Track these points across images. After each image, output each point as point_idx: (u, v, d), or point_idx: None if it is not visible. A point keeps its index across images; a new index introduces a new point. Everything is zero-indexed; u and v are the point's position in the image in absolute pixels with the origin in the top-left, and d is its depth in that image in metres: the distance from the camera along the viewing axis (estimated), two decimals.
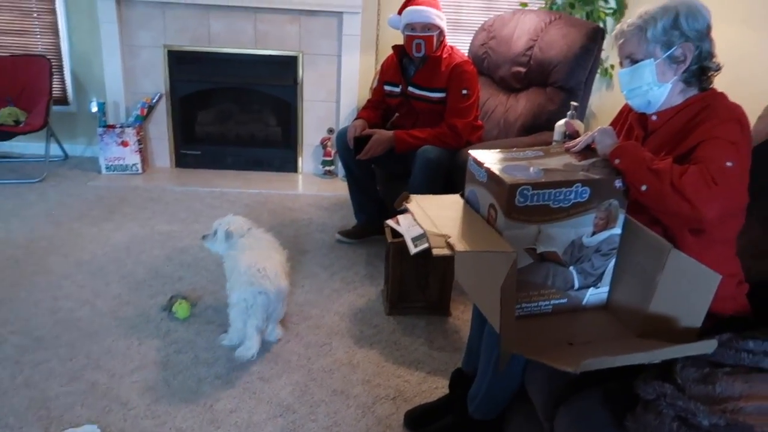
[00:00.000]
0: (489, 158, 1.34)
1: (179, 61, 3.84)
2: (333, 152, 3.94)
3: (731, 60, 2.40)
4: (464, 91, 2.63)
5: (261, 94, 4.00)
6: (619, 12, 3.44)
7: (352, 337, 2.17)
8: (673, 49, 1.33)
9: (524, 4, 3.62)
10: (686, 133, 1.31)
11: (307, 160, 4.09)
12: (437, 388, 1.92)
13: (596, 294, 1.32)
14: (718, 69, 1.38)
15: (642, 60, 1.36)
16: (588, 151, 1.41)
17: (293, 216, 3.30)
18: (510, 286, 1.17)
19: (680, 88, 1.38)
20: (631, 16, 1.41)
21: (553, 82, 2.75)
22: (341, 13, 3.72)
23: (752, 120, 1.80)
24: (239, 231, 2.14)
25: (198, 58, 3.83)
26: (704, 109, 1.33)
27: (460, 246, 1.20)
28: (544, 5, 3.56)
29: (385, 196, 3.01)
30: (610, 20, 3.51)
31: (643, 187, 1.22)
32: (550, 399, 1.28)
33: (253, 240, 2.14)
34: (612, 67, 3.56)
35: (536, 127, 2.76)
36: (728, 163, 1.21)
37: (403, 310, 2.34)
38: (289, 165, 4.09)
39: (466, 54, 3.30)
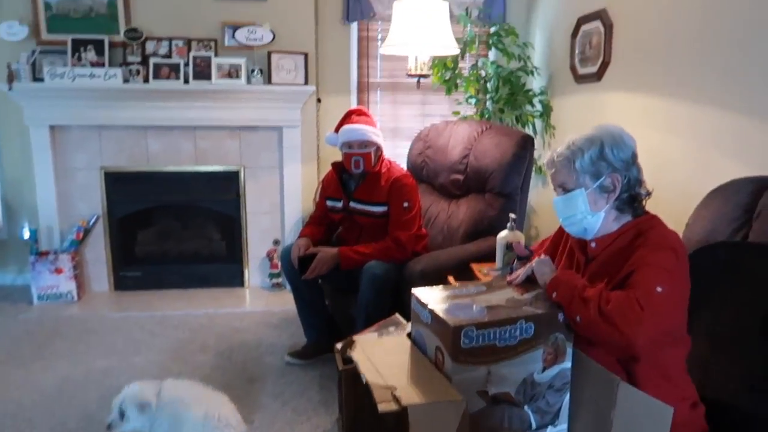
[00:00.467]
0: (432, 297, 1.32)
1: (117, 182, 3.77)
2: (280, 264, 3.87)
3: (658, 163, 2.54)
4: (405, 204, 2.65)
5: (203, 210, 3.96)
6: (545, 114, 3.62)
7: None
8: (602, 179, 1.37)
9: (457, 113, 3.78)
10: (623, 261, 1.33)
11: (254, 273, 3.99)
12: None
13: None
14: (648, 194, 1.43)
15: (573, 189, 1.39)
16: (529, 282, 1.41)
17: (241, 338, 3.16)
18: None
19: (614, 215, 1.41)
20: (561, 144, 1.45)
21: (491, 188, 2.82)
22: (281, 127, 3.78)
23: (681, 227, 1.87)
24: (151, 395, 1.90)
25: (136, 177, 3.77)
26: (639, 236, 1.36)
27: (406, 398, 1.14)
28: (475, 112, 3.72)
29: (334, 310, 2.93)
30: (538, 122, 3.69)
31: (578, 318, 1.21)
32: None
33: (180, 391, 1.94)
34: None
35: (479, 233, 2.80)
36: (658, 288, 1.21)
37: None
38: (236, 279, 3.98)
39: (405, 162, 3.39)
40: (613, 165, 1.37)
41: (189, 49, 3.64)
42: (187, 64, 3.60)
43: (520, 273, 1.42)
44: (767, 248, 1.50)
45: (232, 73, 3.62)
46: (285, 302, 3.59)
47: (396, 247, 2.60)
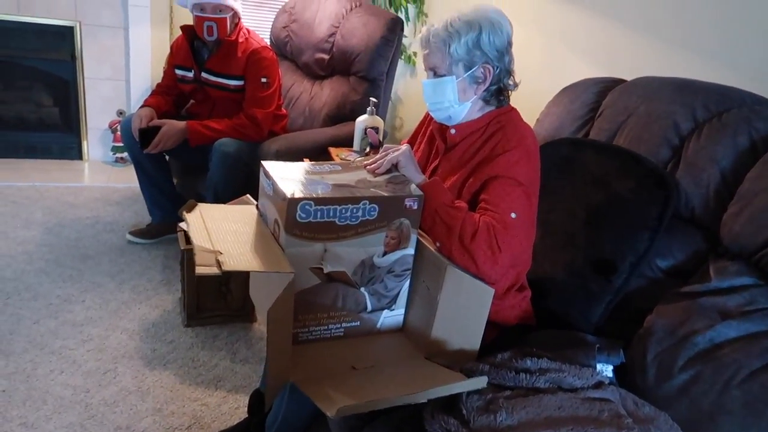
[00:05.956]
0: (279, 170, 1.23)
1: None
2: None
3: (520, 59, 2.56)
4: (263, 80, 2.46)
5: (29, 69, 3.41)
6: (419, 0, 3.49)
7: (142, 359, 1.94)
8: (474, 69, 1.31)
9: None
10: (479, 151, 1.33)
11: (95, 145, 3.60)
12: (238, 407, 1.79)
13: (391, 317, 1.28)
14: (515, 87, 1.39)
15: (444, 76, 1.33)
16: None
17: (76, 214, 2.88)
18: (283, 310, 1.08)
19: (480, 105, 1.37)
20: (439, 21, 1.35)
21: (356, 71, 2.70)
22: None
23: (534, 118, 1.92)
24: None
25: None
26: (498, 130, 1.33)
27: (229, 264, 1.06)
28: None
29: (182, 190, 2.75)
30: (411, 7, 3.55)
31: (437, 244, 1.21)
32: (345, 427, 1.22)
33: None
34: (415, 54, 3.62)
35: (341, 117, 2.70)
36: (512, 215, 1.21)
37: (203, 321, 2.15)
38: (72, 151, 3.58)
39: (268, 36, 3.14)
40: (487, 54, 1.31)
41: None
42: None
43: (382, 163, 1.34)
44: (602, 145, 1.57)
45: None
46: (130, 178, 3.29)
47: (251, 125, 2.43)
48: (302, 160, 2.36)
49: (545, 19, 2.45)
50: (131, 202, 3.09)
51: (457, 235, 1.19)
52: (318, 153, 2.45)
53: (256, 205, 1.36)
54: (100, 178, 3.38)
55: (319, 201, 1.11)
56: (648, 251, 1.34)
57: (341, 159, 2.34)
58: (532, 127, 1.89)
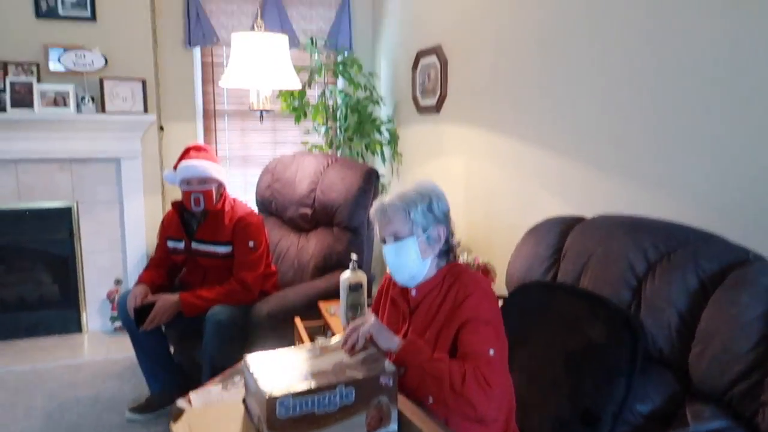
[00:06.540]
0: (260, 364, 1.29)
1: None
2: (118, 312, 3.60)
3: (491, 195, 2.70)
4: (251, 244, 2.58)
5: (30, 251, 3.56)
6: (393, 142, 3.73)
7: None
8: (429, 230, 1.47)
9: (305, 143, 3.77)
10: (443, 304, 1.45)
11: (93, 316, 3.67)
12: None
13: None
14: (458, 245, 1.55)
15: (406, 238, 1.46)
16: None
17: (76, 394, 2.88)
18: None
19: (435, 263, 1.52)
20: (389, 196, 1.51)
21: (338, 222, 2.84)
22: (119, 158, 3.53)
23: (504, 266, 2.00)
24: None
25: None
26: (455, 281, 1.47)
27: None
28: (325, 141, 3.73)
29: (180, 358, 2.78)
30: (386, 149, 3.78)
31: (430, 399, 1.30)
32: None
33: None
34: None
35: (328, 267, 2.81)
36: (491, 352, 1.33)
37: None
38: (72, 325, 3.64)
39: (254, 195, 3.32)
40: (437, 218, 1.49)
41: (5, 74, 3.28)
42: (3, 90, 3.24)
43: (355, 339, 1.39)
44: (570, 288, 1.65)
45: (59, 100, 3.32)
46: (129, 348, 3.29)
47: (242, 290, 2.52)
48: (293, 319, 2.44)
49: (512, 158, 2.60)
50: (130, 374, 3.10)
51: (448, 384, 1.29)
52: (308, 308, 2.52)
53: (243, 400, 1.40)
54: (99, 350, 3.41)
55: (297, 394, 1.16)
56: (626, 398, 1.37)
57: (330, 314, 2.41)
58: (505, 268, 1.99)
